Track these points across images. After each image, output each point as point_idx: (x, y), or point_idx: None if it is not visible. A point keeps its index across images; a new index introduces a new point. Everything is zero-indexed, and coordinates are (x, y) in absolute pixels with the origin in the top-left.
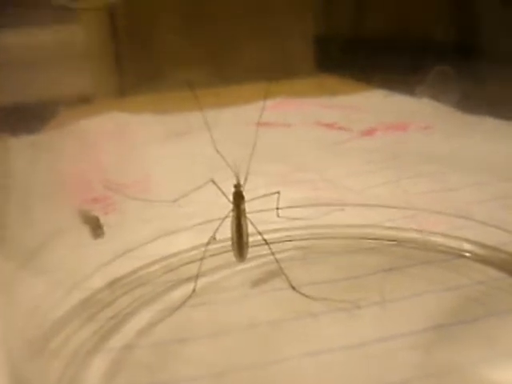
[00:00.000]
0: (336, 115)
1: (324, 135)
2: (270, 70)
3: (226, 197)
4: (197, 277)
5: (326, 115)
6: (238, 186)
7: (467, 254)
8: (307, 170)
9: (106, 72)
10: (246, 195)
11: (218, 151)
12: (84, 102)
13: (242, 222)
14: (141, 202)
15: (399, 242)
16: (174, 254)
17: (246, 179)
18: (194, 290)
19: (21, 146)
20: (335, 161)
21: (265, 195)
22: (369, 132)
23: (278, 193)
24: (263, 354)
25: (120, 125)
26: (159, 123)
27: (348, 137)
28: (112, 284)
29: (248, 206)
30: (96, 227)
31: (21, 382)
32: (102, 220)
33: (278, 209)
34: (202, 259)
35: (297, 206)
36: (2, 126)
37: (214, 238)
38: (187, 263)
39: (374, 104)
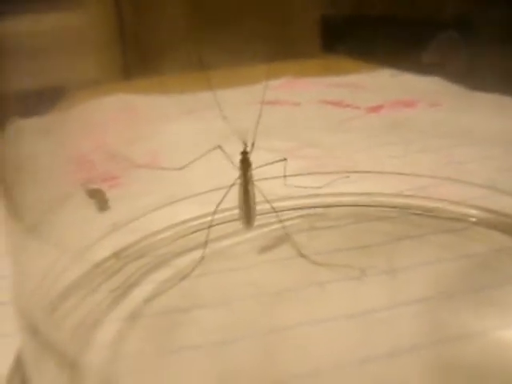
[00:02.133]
0: (343, 93)
1: (331, 113)
2: (275, 49)
3: (232, 163)
4: (205, 245)
5: (333, 93)
6: (244, 153)
7: (476, 220)
8: (315, 145)
9: (111, 55)
10: (254, 163)
11: (225, 118)
12: (90, 85)
13: (249, 189)
14: (146, 174)
15: (408, 210)
16: (181, 223)
17: (253, 145)
18: (202, 258)
19: (31, 127)
20: (343, 137)
21: (272, 162)
22: (376, 109)
23: (285, 160)
24: (269, 321)
25: (127, 105)
26: (166, 103)
27: (355, 114)
28: (118, 253)
29: (255, 174)
30: (102, 200)
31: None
32: (108, 193)
33: (285, 176)
34: (209, 227)
35: (304, 174)
36: (14, 110)
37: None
38: (194, 232)
39: (380, 82)
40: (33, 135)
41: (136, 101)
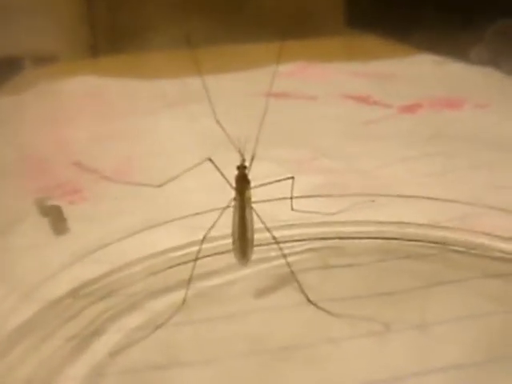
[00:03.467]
0: (370, 85)
1: (354, 111)
2: (287, 24)
3: (227, 180)
4: (188, 283)
5: (358, 85)
6: (242, 168)
7: None
8: (332, 156)
9: (76, 24)
10: (253, 182)
11: (218, 122)
12: (50, 60)
13: (247, 215)
14: (117, 188)
15: (447, 245)
16: (159, 254)
17: (252, 159)
18: (184, 301)
19: None
20: (368, 145)
21: (276, 181)
22: (411, 108)
23: (293, 178)
24: None
25: (95, 91)
26: (144, 90)
27: (384, 114)
28: (76, 292)
29: (254, 195)
30: (58, 220)
31: None
32: (66, 211)
33: (292, 198)
34: (194, 260)
35: (316, 196)
36: None
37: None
38: (175, 266)
39: (419, 72)
40: None
41: (106, 85)
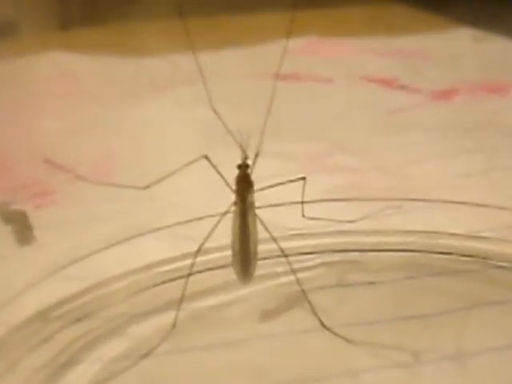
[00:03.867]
0: (396, 66)
1: (378, 97)
2: None
3: (226, 182)
4: (178, 305)
5: (382, 65)
6: (243, 166)
7: None
8: (350, 152)
9: None
10: (257, 183)
11: (214, 110)
12: (11, 32)
13: (249, 222)
14: (94, 190)
15: (489, 260)
16: (144, 269)
17: (256, 156)
18: (173, 326)
19: None
20: (392, 139)
21: (284, 182)
22: (446, 94)
23: (304, 179)
24: None
25: (67, 71)
26: (126, 71)
27: (414, 101)
28: (46, 314)
29: (258, 199)
30: (23, 228)
31: None
32: (33, 217)
33: (302, 203)
34: (187, 277)
35: (331, 201)
36: None
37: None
38: (163, 283)
39: (456, 50)
40: None
41: (80, 64)
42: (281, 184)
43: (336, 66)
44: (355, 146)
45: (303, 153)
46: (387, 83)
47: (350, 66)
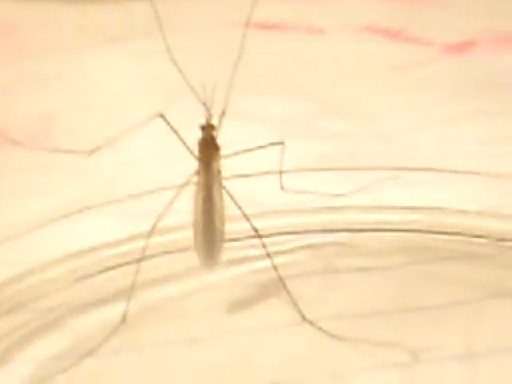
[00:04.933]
0: (402, 14)
1: (379, 51)
2: None
3: (186, 146)
4: (129, 294)
5: (385, 13)
6: (208, 128)
7: None
8: (342, 113)
9: None
10: (224, 148)
11: (173, 61)
12: None
13: (215, 196)
14: (30, 157)
15: (506, 242)
16: (87, 252)
17: (222, 115)
18: (123, 320)
19: None
20: (396, 99)
21: (257, 148)
22: (460, 47)
23: (282, 144)
24: None
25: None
26: (67, 19)
27: (424, 55)
28: None
29: (226, 167)
30: None
31: None
32: None
33: (281, 173)
34: (138, 262)
35: (316, 171)
36: None
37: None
38: (111, 268)
39: None
40: None
41: (15, 9)
42: (253, 149)
43: (330, 15)
44: (349, 106)
45: (283, 113)
46: (391, 34)
47: (346, 13)
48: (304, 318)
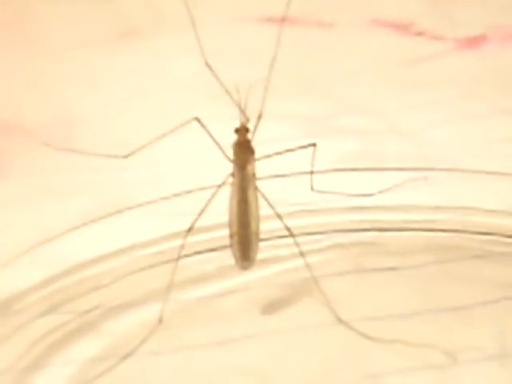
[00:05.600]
0: (415, 7)
1: (391, 45)
2: None
3: (221, 149)
4: (166, 296)
5: (397, 7)
6: (243, 130)
7: None
8: (361, 110)
9: None
10: (258, 151)
11: (207, 64)
12: None
13: (250, 197)
14: (58, 159)
15: None
16: (122, 253)
17: (259, 119)
18: (159, 321)
19: None
20: (411, 95)
21: (289, 150)
22: (475, 42)
23: (314, 145)
24: None
25: (16, 14)
26: (92, 14)
27: (436, 50)
28: (4, 307)
29: (260, 169)
30: None
31: None
32: None
33: (312, 174)
34: (175, 262)
35: (345, 171)
36: None
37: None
38: (146, 269)
39: None
40: None
41: (33, 5)
42: (287, 151)
43: (339, 8)
44: (365, 104)
45: (305, 112)
46: (403, 28)
47: (357, 6)
48: (339, 318)
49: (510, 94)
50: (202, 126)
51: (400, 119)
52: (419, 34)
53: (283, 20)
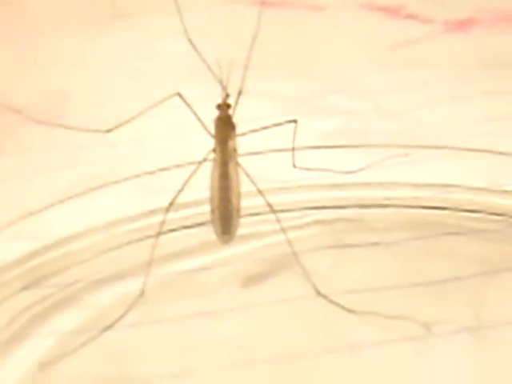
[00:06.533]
0: None
1: (380, 28)
2: None
3: (203, 124)
4: (147, 269)
5: None
6: (224, 107)
7: None
8: (348, 91)
9: None
10: (239, 126)
11: (190, 42)
12: None
13: (231, 173)
14: (44, 135)
15: (511, 219)
16: (105, 227)
17: (239, 94)
18: (141, 294)
19: None
20: (398, 76)
21: (271, 126)
22: (462, 25)
23: (295, 122)
24: None
25: None
26: None
27: (424, 32)
28: None
29: (242, 145)
30: None
31: None
32: None
33: (293, 151)
34: (156, 237)
35: (327, 148)
36: None
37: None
38: (128, 244)
39: None
40: None
41: None
42: (268, 127)
43: None
44: (353, 85)
45: (292, 92)
46: (392, 11)
47: None
48: (318, 291)
49: (496, 76)
50: (184, 101)
51: (387, 100)
52: (409, 17)
53: (263, 3)
